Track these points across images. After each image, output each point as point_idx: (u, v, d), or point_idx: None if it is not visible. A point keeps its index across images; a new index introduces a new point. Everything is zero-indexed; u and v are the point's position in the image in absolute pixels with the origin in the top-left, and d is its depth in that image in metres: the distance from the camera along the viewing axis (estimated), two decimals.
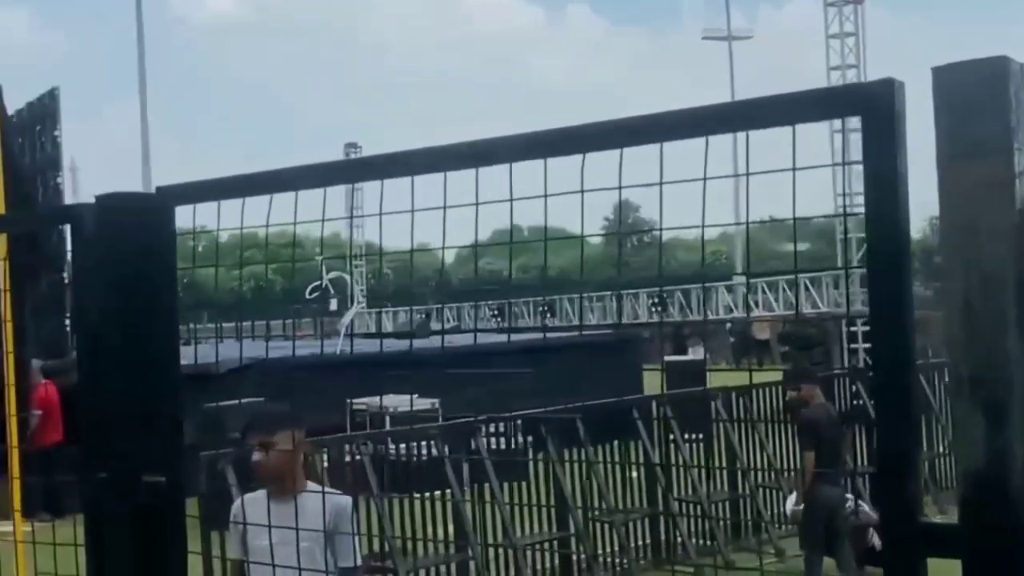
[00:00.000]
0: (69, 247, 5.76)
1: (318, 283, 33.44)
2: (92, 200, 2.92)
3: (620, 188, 2.11)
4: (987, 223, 1.67)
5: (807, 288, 30.41)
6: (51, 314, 5.61)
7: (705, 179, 1.99)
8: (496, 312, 39.90)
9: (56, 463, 13.21)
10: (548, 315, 37.64)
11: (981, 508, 1.67)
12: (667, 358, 26.04)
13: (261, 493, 4.59)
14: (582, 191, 2.17)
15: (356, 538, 4.86)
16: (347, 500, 4.97)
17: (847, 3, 30.72)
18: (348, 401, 17.27)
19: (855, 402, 14.05)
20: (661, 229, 2.12)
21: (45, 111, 10.58)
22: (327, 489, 5.22)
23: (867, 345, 27.83)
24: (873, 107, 1.76)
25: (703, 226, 2.07)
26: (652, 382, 21.20)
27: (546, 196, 2.20)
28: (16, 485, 4.67)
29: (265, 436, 4.59)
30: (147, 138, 41.18)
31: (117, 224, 2.83)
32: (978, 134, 1.67)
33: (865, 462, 12.76)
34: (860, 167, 1.85)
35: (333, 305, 35.58)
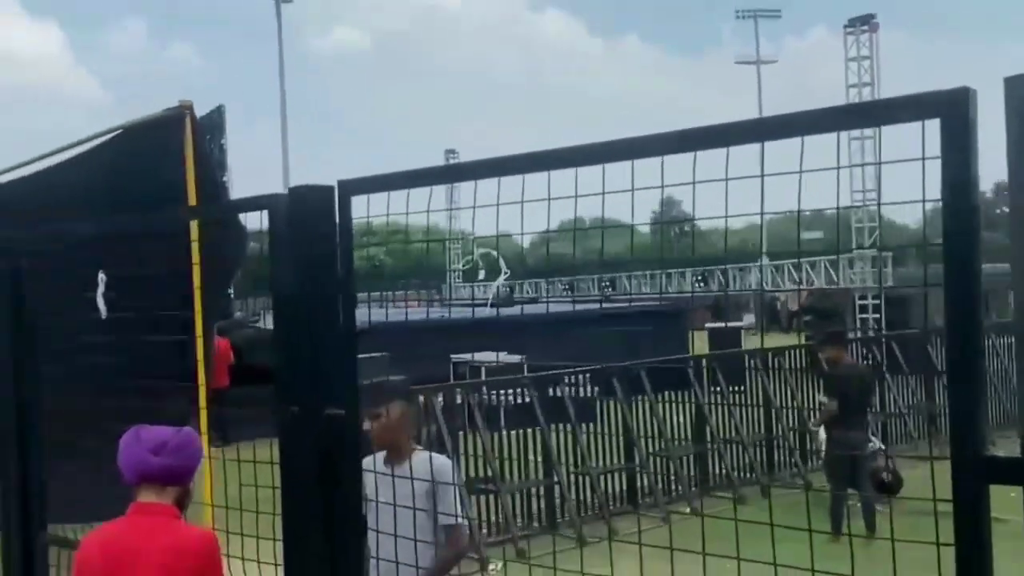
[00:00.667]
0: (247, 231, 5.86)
1: (470, 258, 33.62)
2: (284, 192, 2.99)
3: (726, 180, 2.07)
4: None
5: (827, 268, 30.11)
6: (221, 284, 5.76)
7: (801, 172, 1.96)
8: (567, 286, 39.76)
9: (224, 402, 13.64)
10: (611, 289, 37.53)
11: None
12: (709, 324, 25.88)
13: (380, 455, 4.33)
14: (692, 184, 2.15)
15: (457, 497, 4.47)
16: (447, 463, 4.70)
17: (863, 32, 30.21)
18: (450, 356, 17.35)
19: (867, 361, 13.79)
20: (762, 214, 2.08)
21: (214, 124, 10.68)
22: (432, 453, 4.79)
23: (875, 315, 27.52)
24: (951, 112, 1.72)
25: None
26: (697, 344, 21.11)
27: (663, 186, 2.19)
28: (204, 416, 4.75)
29: (375, 408, 4.33)
30: (287, 145, 42.00)
31: (306, 210, 2.88)
32: None
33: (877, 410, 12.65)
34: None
35: (481, 275, 35.49)
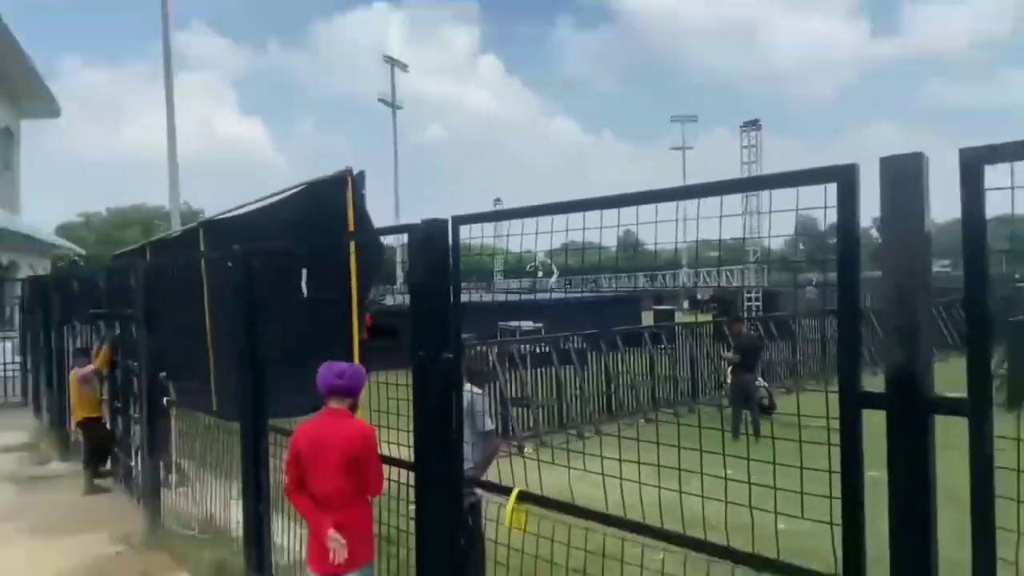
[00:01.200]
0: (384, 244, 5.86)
1: (534, 263, 33.38)
2: (418, 222, 2.98)
3: (715, 218, 2.04)
4: (906, 247, 1.60)
5: (728, 275, 29.78)
6: (368, 278, 5.81)
7: (759, 213, 1.94)
8: (568, 282, 39.31)
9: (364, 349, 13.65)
10: (595, 285, 37.09)
11: (897, 382, 1.62)
12: (654, 307, 25.66)
13: None
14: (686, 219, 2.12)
15: (487, 415, 4.16)
16: (480, 392, 4.32)
17: (752, 130, 29.82)
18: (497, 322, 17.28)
19: (751, 333, 13.57)
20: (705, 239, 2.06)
21: (357, 182, 10.54)
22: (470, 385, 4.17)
23: (757, 303, 27.15)
24: (843, 179, 1.69)
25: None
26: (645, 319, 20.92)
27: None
28: (356, 357, 4.74)
29: None
30: (398, 199, 42.02)
31: (432, 233, 2.88)
32: (905, 198, 1.60)
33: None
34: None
35: (539, 274, 34.66)
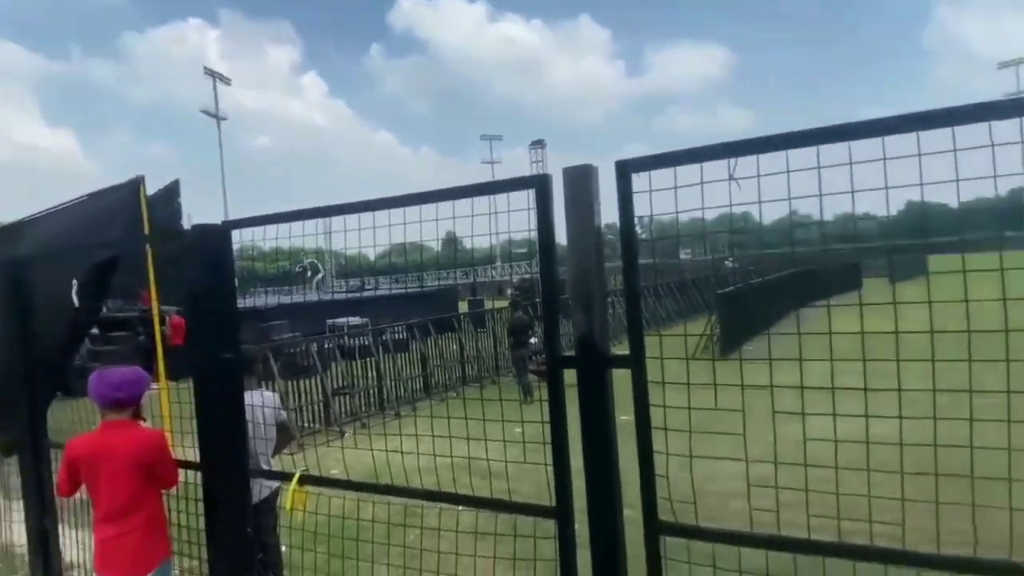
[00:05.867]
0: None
1: (302, 264, 30.56)
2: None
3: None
4: (584, 245, 1.74)
5: (527, 267, 31.11)
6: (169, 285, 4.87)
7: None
8: (395, 279, 38.15)
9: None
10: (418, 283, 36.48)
11: (583, 347, 1.76)
12: (468, 298, 25.94)
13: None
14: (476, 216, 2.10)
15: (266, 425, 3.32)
16: (260, 404, 3.34)
17: (539, 148, 31.51)
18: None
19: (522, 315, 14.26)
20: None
21: (170, 190, 9.33)
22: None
23: None
24: (539, 186, 1.79)
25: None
26: (461, 309, 20.95)
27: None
28: (162, 365, 4.17)
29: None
30: (227, 205, 37.79)
31: (204, 237, 2.59)
32: (581, 200, 1.73)
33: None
34: None
35: (309, 275, 31.89)
